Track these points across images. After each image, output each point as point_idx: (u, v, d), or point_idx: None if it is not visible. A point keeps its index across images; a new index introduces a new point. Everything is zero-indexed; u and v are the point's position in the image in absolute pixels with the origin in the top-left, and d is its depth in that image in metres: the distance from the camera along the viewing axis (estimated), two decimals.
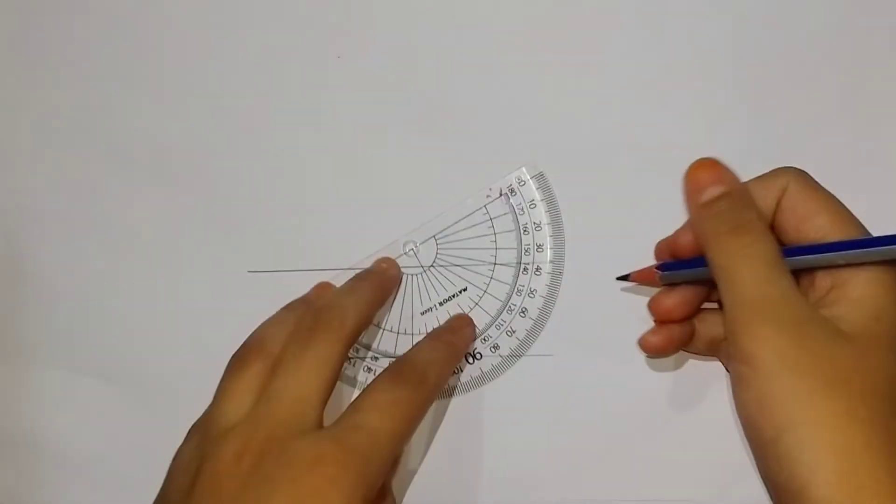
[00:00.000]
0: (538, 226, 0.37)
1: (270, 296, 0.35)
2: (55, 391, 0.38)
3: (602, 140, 0.37)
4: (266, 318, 0.34)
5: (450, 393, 0.37)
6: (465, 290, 0.37)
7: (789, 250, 0.32)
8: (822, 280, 0.32)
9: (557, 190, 0.37)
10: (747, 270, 0.30)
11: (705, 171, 0.32)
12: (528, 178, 0.37)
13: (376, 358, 0.37)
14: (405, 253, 0.38)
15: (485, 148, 0.38)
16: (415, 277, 0.37)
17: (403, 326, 0.37)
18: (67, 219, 0.38)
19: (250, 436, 0.29)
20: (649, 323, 0.35)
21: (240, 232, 0.38)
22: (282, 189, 0.38)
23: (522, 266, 0.37)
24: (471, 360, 0.37)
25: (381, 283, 0.36)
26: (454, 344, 0.35)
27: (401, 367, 0.33)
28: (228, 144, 0.38)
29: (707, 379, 0.36)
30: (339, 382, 0.36)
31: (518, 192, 0.37)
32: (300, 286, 0.37)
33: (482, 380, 0.37)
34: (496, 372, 0.37)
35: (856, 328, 0.30)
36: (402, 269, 0.37)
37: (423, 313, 0.37)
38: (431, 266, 0.37)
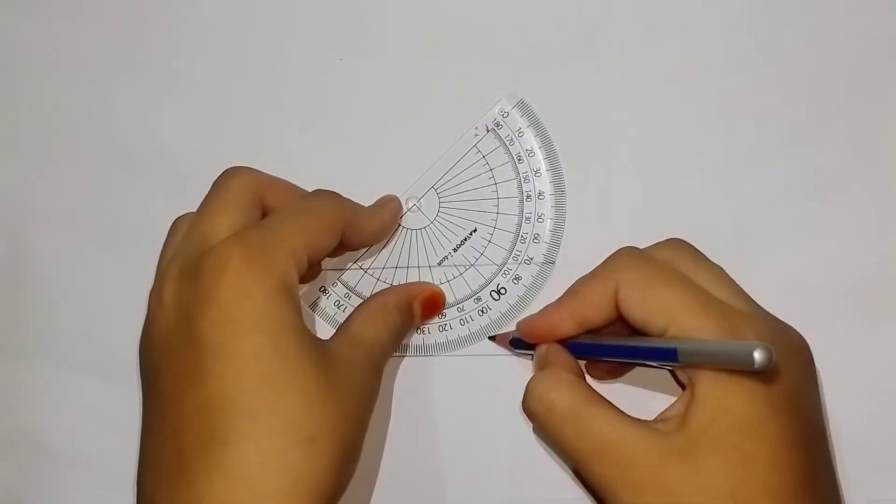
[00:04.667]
0: (531, 152, 0.37)
1: None
2: (56, 391, 0.38)
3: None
4: None
5: (484, 333, 0.37)
6: (475, 230, 0.38)
7: (576, 346, 0.34)
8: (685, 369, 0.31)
9: (541, 114, 0.38)
10: (553, 441, 0.32)
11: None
12: (510, 107, 0.38)
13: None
14: (410, 210, 0.38)
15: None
16: (424, 231, 0.38)
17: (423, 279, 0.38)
18: (69, 219, 0.39)
19: (166, 272, 0.31)
20: None
21: None
22: None
23: (525, 194, 0.37)
24: (496, 296, 0.37)
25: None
26: (380, 214, 0.36)
27: None
28: (229, 144, 0.39)
29: None
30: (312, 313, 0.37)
31: (504, 124, 0.38)
32: None
33: (511, 314, 0.37)
34: (522, 303, 0.37)
35: (692, 432, 0.29)
36: (411, 226, 0.38)
37: (440, 263, 0.38)
38: (437, 216, 0.38)
